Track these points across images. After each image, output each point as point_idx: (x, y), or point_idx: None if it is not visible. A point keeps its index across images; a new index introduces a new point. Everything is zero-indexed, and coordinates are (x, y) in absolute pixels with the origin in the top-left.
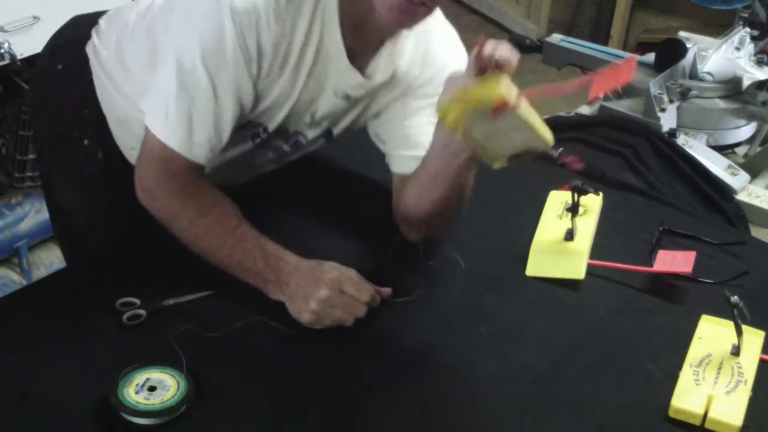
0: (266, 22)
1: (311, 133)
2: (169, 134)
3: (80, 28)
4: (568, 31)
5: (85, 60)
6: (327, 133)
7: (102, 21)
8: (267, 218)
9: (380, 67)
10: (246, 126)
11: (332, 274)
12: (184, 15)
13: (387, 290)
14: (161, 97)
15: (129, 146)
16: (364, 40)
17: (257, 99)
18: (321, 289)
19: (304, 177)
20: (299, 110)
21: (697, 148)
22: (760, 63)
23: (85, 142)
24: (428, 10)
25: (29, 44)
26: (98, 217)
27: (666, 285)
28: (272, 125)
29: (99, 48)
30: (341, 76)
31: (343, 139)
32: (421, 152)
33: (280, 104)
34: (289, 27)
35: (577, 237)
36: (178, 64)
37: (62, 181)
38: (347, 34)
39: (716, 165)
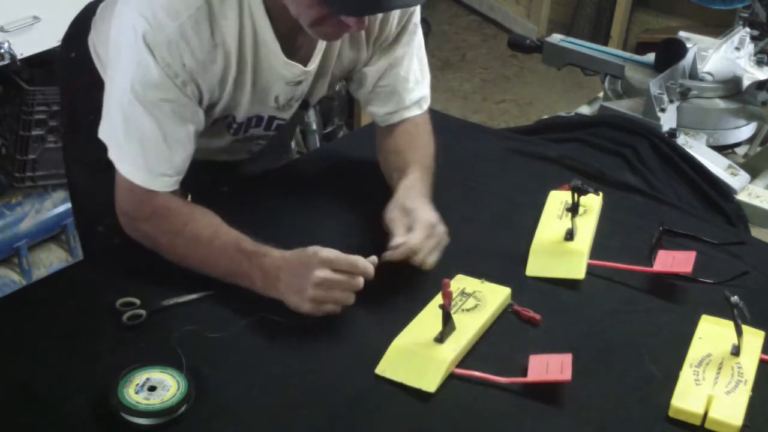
0: (185, 43)
1: (287, 114)
2: (129, 169)
3: (89, 17)
4: (568, 31)
5: (89, 50)
6: (304, 105)
7: (98, 11)
8: (266, 219)
9: (319, 51)
10: (215, 122)
11: (320, 257)
12: (115, 50)
13: (373, 258)
14: (114, 134)
15: None
16: (298, 28)
17: (210, 107)
18: (313, 273)
19: (303, 177)
20: (260, 99)
21: (697, 148)
22: (760, 63)
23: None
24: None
25: (29, 44)
26: (112, 197)
27: (666, 285)
28: (239, 116)
29: (96, 40)
30: (283, 70)
31: (342, 140)
32: (400, 104)
33: (235, 104)
34: (219, 36)
35: (577, 237)
36: (118, 102)
37: (79, 165)
38: (280, 24)
39: (716, 165)
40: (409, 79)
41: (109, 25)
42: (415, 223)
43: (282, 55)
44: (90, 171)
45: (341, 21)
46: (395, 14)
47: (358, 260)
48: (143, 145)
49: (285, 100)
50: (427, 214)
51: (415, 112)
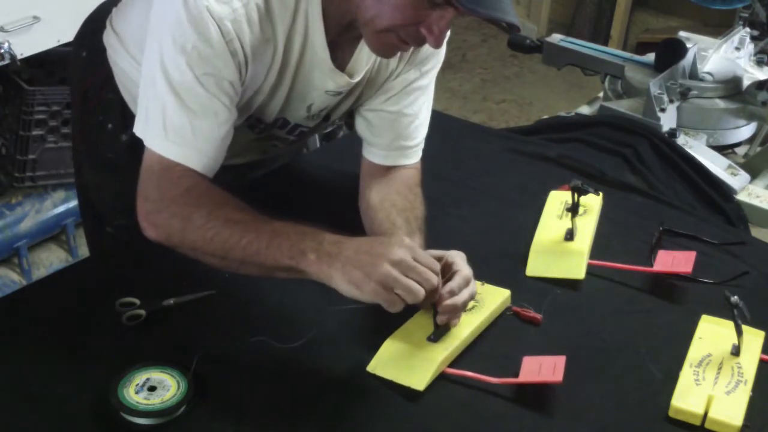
0: (247, 25)
1: (311, 123)
2: (171, 148)
3: (102, 16)
4: (568, 31)
5: (103, 48)
6: (326, 118)
7: (114, 11)
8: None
9: (362, 63)
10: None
11: (406, 241)
12: (162, 22)
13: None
14: (156, 114)
15: None
16: (347, 38)
17: (245, 98)
18: (393, 250)
19: (303, 177)
20: (293, 105)
21: (697, 148)
22: (760, 63)
23: (109, 126)
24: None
25: (29, 44)
26: (123, 198)
27: (666, 285)
28: (267, 118)
29: (112, 37)
30: (327, 78)
31: (342, 140)
32: (400, 139)
33: (266, 105)
34: (271, 31)
35: (577, 237)
36: (166, 77)
37: (89, 164)
38: (331, 33)
39: (716, 165)
40: (418, 116)
41: (136, 11)
42: (455, 274)
43: (330, 63)
44: (100, 172)
45: (417, 34)
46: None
47: (435, 262)
48: (192, 119)
49: (317, 110)
50: (466, 267)
51: (413, 159)
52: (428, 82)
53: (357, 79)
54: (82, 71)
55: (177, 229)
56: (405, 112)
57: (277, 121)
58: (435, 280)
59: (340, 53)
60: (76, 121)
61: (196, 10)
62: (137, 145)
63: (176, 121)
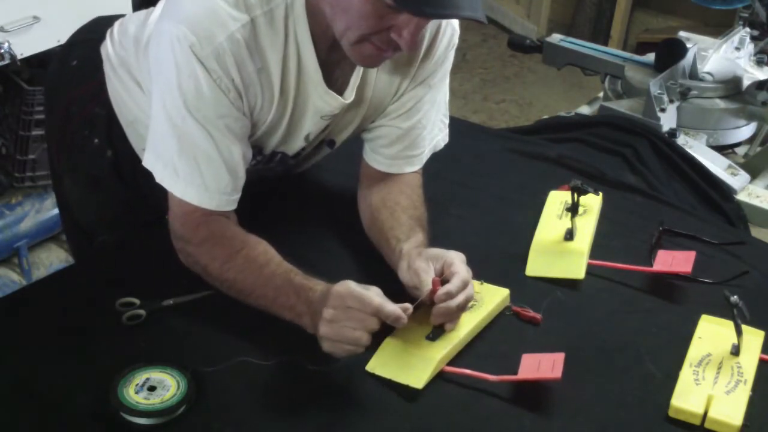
0: (232, 57)
1: (310, 148)
2: (185, 190)
3: (99, 28)
4: (568, 31)
5: (98, 59)
6: (330, 143)
7: (117, 24)
8: (265, 220)
9: (353, 84)
10: None
11: (333, 292)
12: (159, 66)
13: (406, 305)
14: (165, 155)
15: (140, 148)
16: (340, 57)
17: (252, 128)
18: (325, 310)
19: (303, 178)
20: (291, 136)
21: (697, 148)
22: (760, 63)
23: (95, 141)
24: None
25: (29, 44)
26: (106, 215)
27: (666, 285)
28: (267, 149)
29: (111, 50)
30: (321, 102)
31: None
32: (406, 150)
33: (272, 131)
34: (263, 60)
35: (577, 237)
36: (169, 120)
37: (71, 178)
38: (322, 54)
39: (716, 165)
40: (426, 126)
41: (132, 36)
42: (453, 276)
43: (323, 85)
44: (84, 187)
45: (390, 39)
46: (441, 44)
47: (372, 299)
48: (199, 161)
49: (314, 137)
50: (464, 270)
51: (417, 166)
52: (436, 92)
53: (349, 100)
54: (68, 81)
55: (199, 272)
56: (416, 126)
57: (276, 154)
58: (372, 322)
59: (337, 75)
60: (55, 132)
61: (182, 53)
62: (122, 162)
63: (185, 167)
